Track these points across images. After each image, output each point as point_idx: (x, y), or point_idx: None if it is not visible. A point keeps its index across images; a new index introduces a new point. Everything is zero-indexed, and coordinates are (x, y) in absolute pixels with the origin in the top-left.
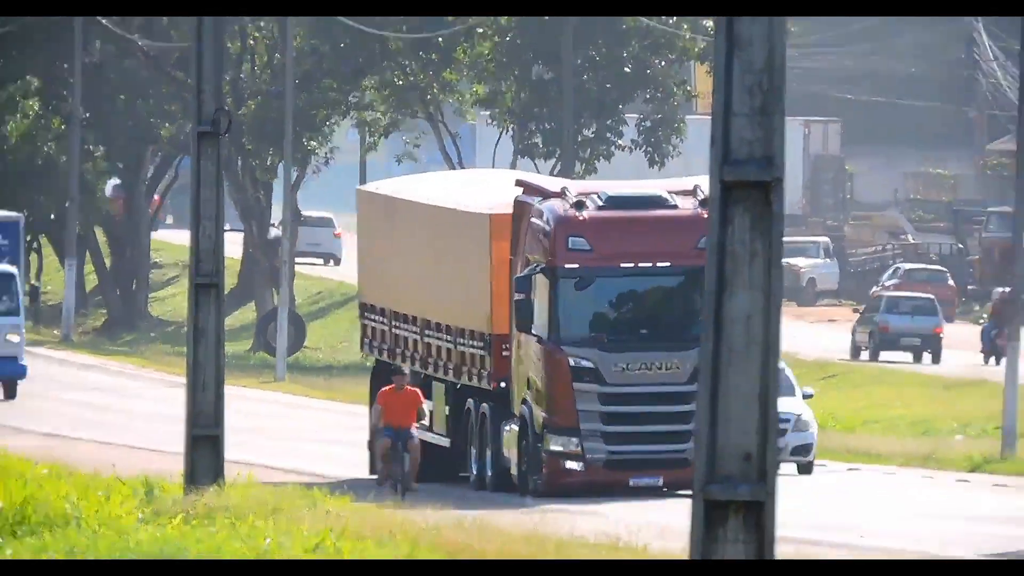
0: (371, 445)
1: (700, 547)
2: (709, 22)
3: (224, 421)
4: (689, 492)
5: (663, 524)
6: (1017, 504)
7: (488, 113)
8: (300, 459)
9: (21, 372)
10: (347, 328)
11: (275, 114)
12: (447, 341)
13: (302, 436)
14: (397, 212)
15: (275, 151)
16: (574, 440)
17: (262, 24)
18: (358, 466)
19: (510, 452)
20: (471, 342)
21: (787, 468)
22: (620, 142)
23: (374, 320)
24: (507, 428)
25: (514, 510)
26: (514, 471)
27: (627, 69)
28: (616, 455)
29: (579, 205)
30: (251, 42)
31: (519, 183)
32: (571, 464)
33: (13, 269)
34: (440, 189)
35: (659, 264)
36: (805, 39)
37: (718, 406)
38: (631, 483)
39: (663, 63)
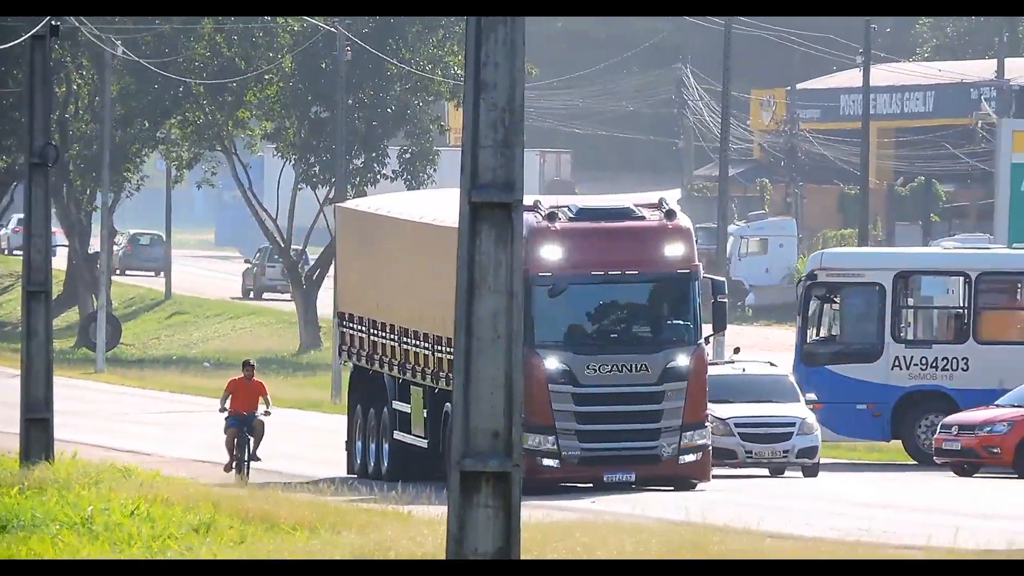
0: (347, 445)
1: (457, 511)
2: (460, 70)
3: (53, 406)
4: (662, 488)
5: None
6: None
7: (274, 146)
8: (121, 438)
9: None
10: (156, 328)
11: (95, 148)
12: (424, 348)
13: (123, 419)
14: (375, 227)
15: (95, 179)
16: (550, 438)
17: (83, 72)
18: (172, 444)
19: None
20: (448, 348)
21: (793, 471)
22: (384, 171)
23: (352, 328)
24: None
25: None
26: None
27: (390, 109)
28: (590, 452)
29: (551, 217)
30: (75, 87)
31: None
32: (547, 461)
33: None
34: (415, 206)
35: (628, 272)
36: (540, 82)
37: (470, 391)
38: (605, 479)
39: (420, 103)
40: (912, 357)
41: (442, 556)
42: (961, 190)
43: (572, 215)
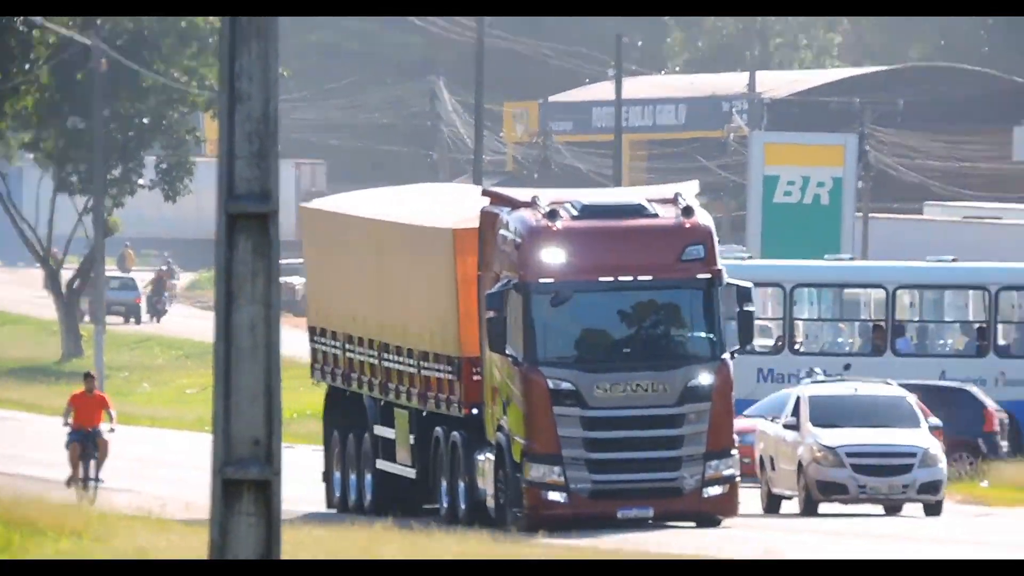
0: (324, 476)
1: (219, 521)
2: (215, 81)
3: None
4: (682, 523)
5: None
6: None
7: (32, 156)
8: None
9: None
10: None
11: None
12: (410, 365)
13: None
14: (348, 230)
15: None
16: (556, 469)
17: None
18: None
19: (485, 483)
20: (438, 366)
21: (912, 508)
22: (141, 181)
23: (325, 344)
24: (481, 457)
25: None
26: (491, 503)
27: (146, 120)
28: (602, 484)
29: (552, 215)
30: None
31: (485, 193)
32: (553, 495)
33: None
34: (393, 205)
35: (641, 277)
36: (294, 94)
37: (230, 400)
38: (619, 515)
39: (176, 115)
40: None
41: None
42: (714, 202)
43: (576, 213)
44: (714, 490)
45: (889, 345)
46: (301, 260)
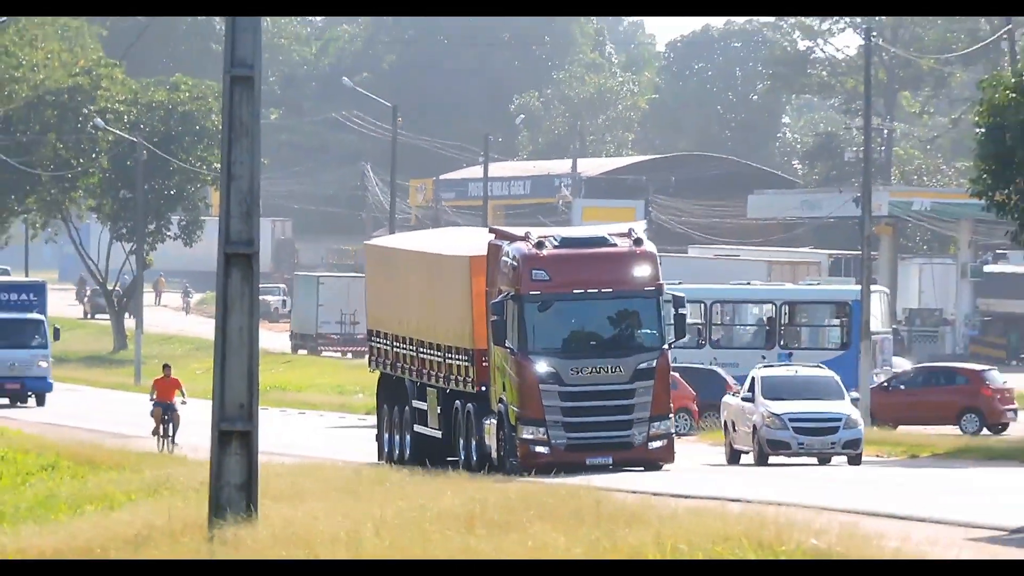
0: (377, 438)
1: (217, 457)
2: (216, 165)
3: None
4: (633, 468)
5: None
6: None
7: (96, 216)
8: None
9: (49, 387)
10: None
11: None
12: (438, 356)
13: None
14: (396, 259)
15: None
16: (541, 429)
17: None
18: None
19: (491, 440)
20: (457, 356)
21: (839, 460)
22: (168, 233)
23: (379, 342)
24: (488, 422)
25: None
26: (494, 455)
27: (172, 192)
28: (574, 440)
29: (539, 245)
30: None
31: (491, 230)
32: (539, 448)
33: (42, 317)
34: (428, 241)
35: (604, 290)
36: (270, 174)
37: (225, 378)
38: (587, 462)
39: (192, 188)
40: None
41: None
42: None
43: (556, 243)
44: (656, 443)
45: (708, 341)
46: (274, 284)
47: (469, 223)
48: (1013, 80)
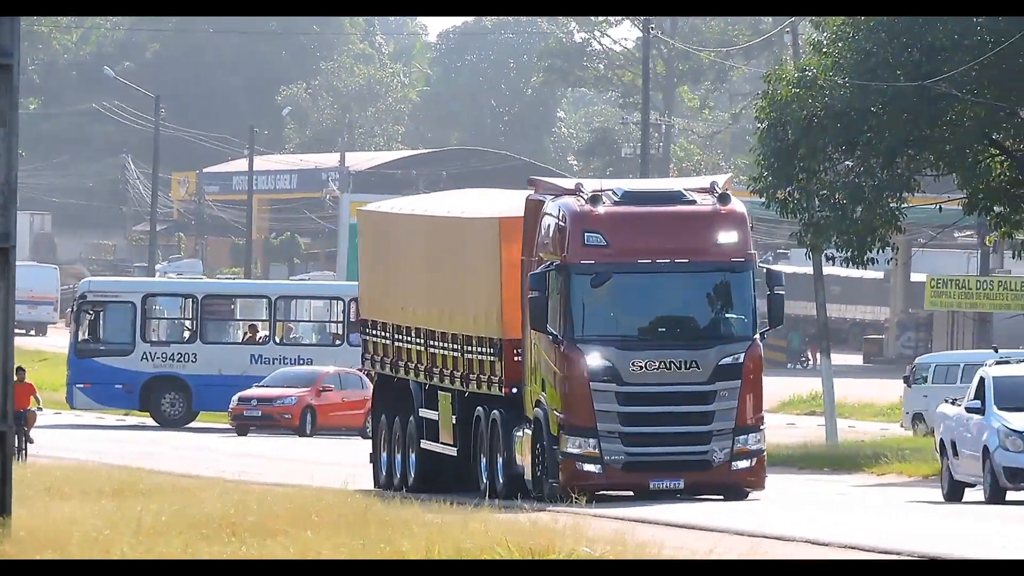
0: (371, 458)
1: None
2: None
3: None
4: (711, 496)
5: None
6: None
7: None
8: None
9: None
10: None
11: None
12: (454, 350)
13: None
14: (397, 227)
15: None
16: (591, 441)
17: None
18: None
19: (523, 458)
20: (480, 349)
21: None
22: None
23: (375, 336)
24: (520, 433)
25: None
26: (528, 476)
27: None
28: (635, 457)
29: (595, 200)
30: None
31: (531, 182)
32: (589, 467)
33: None
34: (440, 205)
35: (678, 260)
36: (28, 166)
37: None
38: (651, 486)
39: None
40: (156, 352)
41: None
42: (315, 242)
43: (617, 198)
44: (742, 463)
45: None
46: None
47: (233, 218)
48: (796, 74)
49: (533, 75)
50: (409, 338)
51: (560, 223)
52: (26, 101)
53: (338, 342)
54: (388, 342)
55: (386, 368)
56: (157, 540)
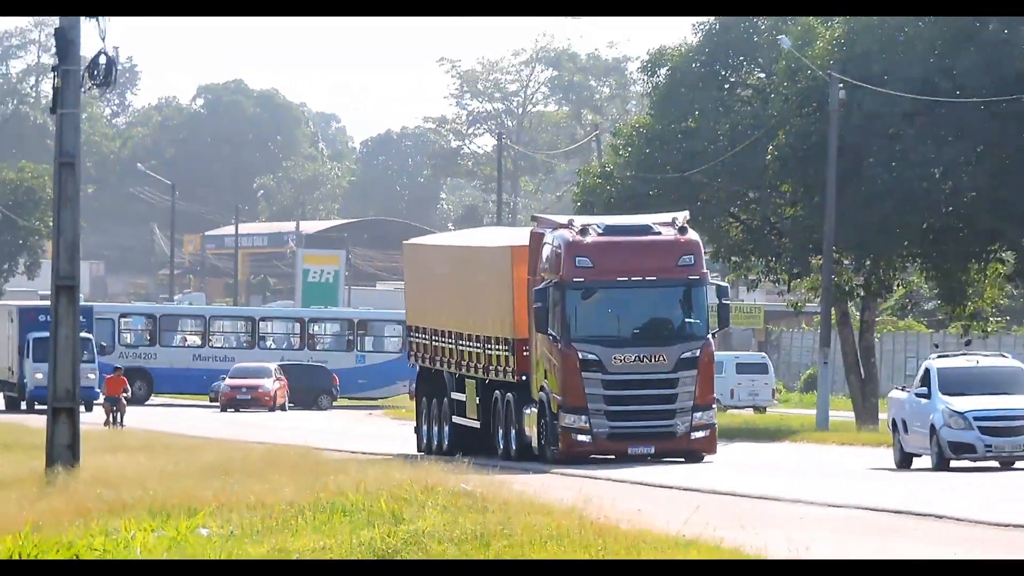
0: (416, 429)
1: (51, 426)
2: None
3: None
4: (674, 459)
5: None
6: None
7: None
8: None
9: (96, 396)
10: None
11: None
12: (477, 347)
13: None
14: (434, 255)
15: None
16: (583, 417)
17: None
18: None
19: (531, 429)
20: (497, 346)
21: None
22: (18, 271)
23: (418, 337)
24: (528, 411)
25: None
26: (535, 444)
27: (19, 243)
28: (617, 429)
29: (583, 232)
30: None
31: (534, 218)
32: (581, 437)
33: (90, 336)
34: (465, 238)
35: (648, 278)
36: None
37: (57, 371)
38: (629, 451)
39: (35, 240)
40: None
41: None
42: (280, 280)
43: (600, 231)
44: (699, 434)
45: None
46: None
47: (226, 266)
48: (599, 169)
49: (424, 169)
50: (443, 339)
51: (557, 250)
52: (85, 186)
53: (251, 348)
54: (427, 342)
55: (426, 362)
56: (177, 480)
